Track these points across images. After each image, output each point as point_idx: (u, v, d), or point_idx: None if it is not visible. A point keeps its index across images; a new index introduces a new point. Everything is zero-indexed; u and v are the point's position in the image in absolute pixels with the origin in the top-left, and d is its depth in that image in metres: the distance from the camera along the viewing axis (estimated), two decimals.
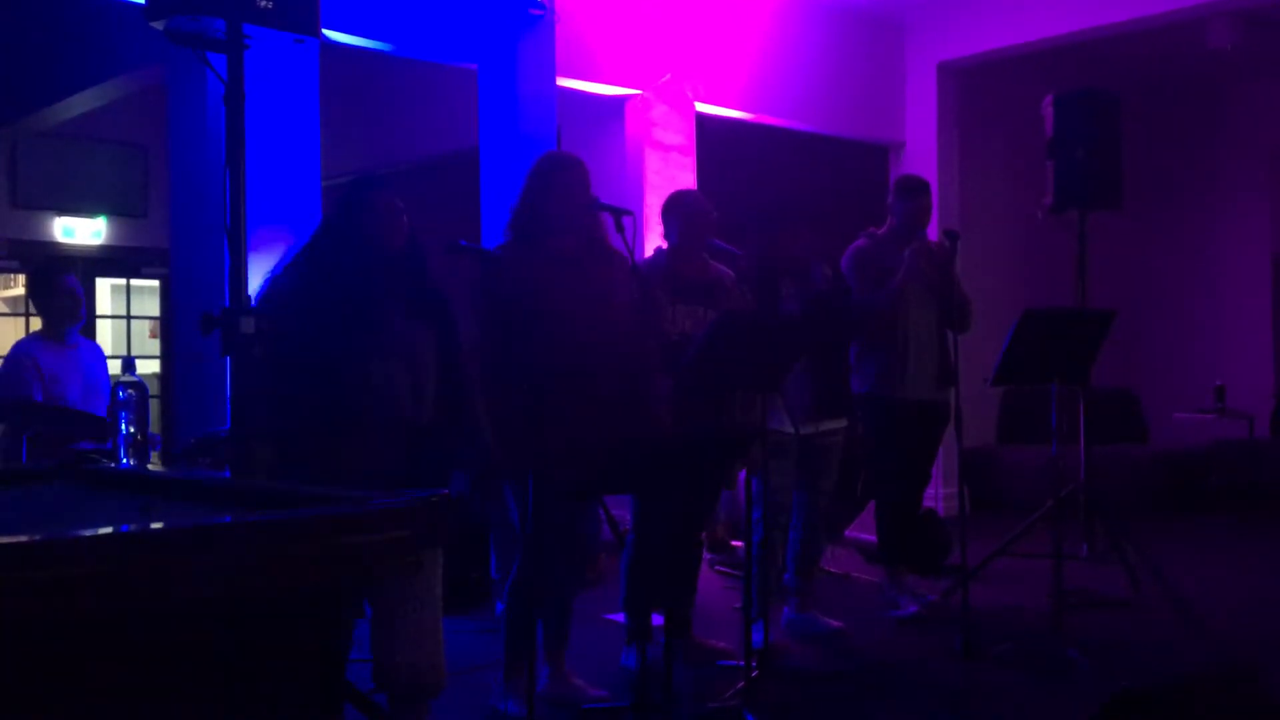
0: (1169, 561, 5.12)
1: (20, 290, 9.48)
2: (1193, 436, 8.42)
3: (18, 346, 5.10)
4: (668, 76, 6.63)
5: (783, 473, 4.37)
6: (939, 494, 7.00)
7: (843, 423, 4.59)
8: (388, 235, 3.18)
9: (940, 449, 5.10)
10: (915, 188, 4.92)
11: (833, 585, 5.51)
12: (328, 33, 5.05)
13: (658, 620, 4.12)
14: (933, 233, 5.08)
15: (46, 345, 4.85)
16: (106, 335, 9.18)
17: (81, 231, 9.15)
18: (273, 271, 3.22)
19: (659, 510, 3.89)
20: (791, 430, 4.26)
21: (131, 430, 3.13)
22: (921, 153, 7.69)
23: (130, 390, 3.25)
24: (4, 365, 5.01)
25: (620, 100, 6.60)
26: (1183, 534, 6.96)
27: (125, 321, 9.38)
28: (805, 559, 4.60)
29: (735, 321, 3.76)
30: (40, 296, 4.95)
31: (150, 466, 3.49)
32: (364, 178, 3.29)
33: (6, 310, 9.61)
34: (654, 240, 5.29)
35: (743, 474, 4.40)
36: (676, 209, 4.21)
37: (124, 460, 3.29)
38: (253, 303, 3.03)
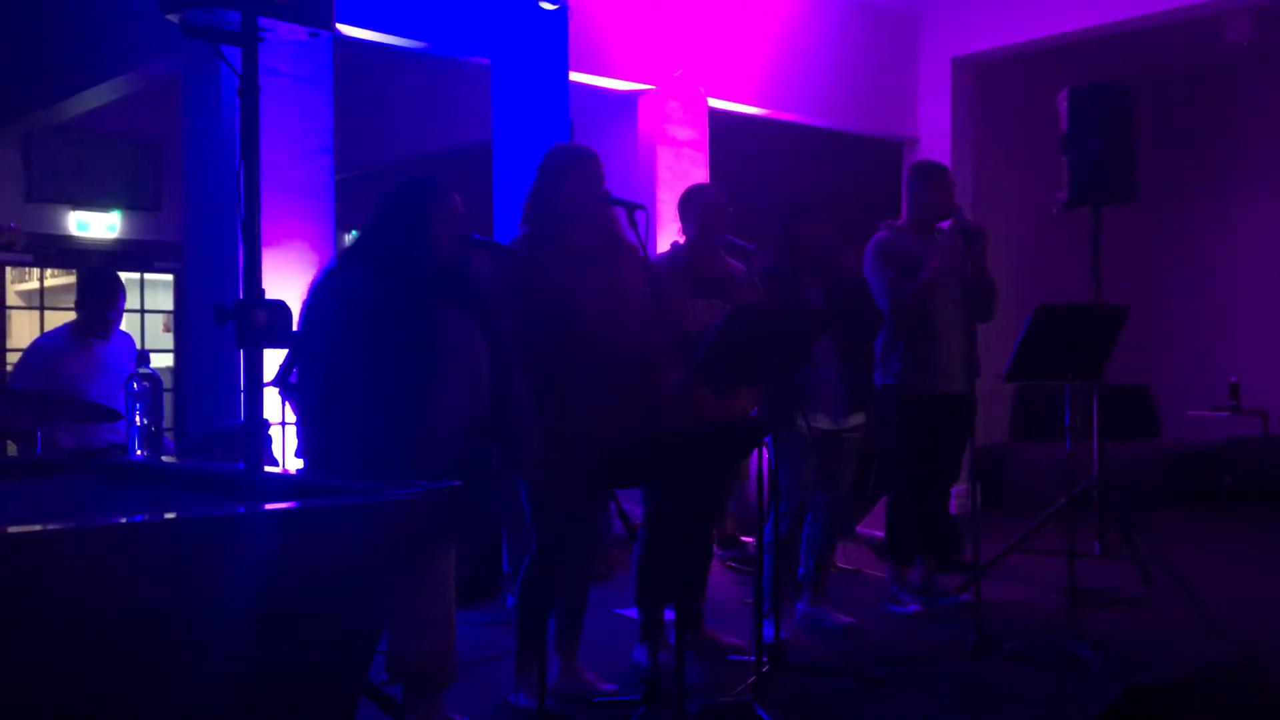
0: (1182, 558, 5.10)
1: (35, 284, 9.53)
2: (1207, 433, 8.39)
3: (37, 342, 5.09)
4: (680, 72, 6.63)
5: (805, 469, 4.37)
6: (952, 490, 6.97)
7: (863, 418, 4.58)
8: (451, 238, 3.17)
9: None
10: (932, 170, 4.90)
11: (844, 581, 5.51)
12: (342, 27, 5.07)
13: (669, 615, 4.13)
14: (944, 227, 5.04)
15: (70, 343, 4.82)
16: None
17: (95, 225, 9.19)
18: (325, 270, 3.19)
19: (671, 504, 3.89)
20: (813, 426, 4.26)
21: (145, 422, 3.14)
22: (935, 148, 7.67)
23: (144, 382, 3.26)
24: (23, 357, 5.02)
25: (633, 95, 6.60)
26: (1196, 531, 6.94)
27: (139, 315, 9.42)
28: (821, 554, 4.59)
29: (748, 314, 3.76)
30: (78, 300, 4.91)
31: (164, 459, 3.50)
32: (422, 180, 3.24)
33: (22, 304, 9.65)
34: (667, 235, 5.29)
35: (754, 466, 4.40)
36: (694, 203, 4.20)
37: (137, 452, 3.30)
38: (309, 299, 3.03)
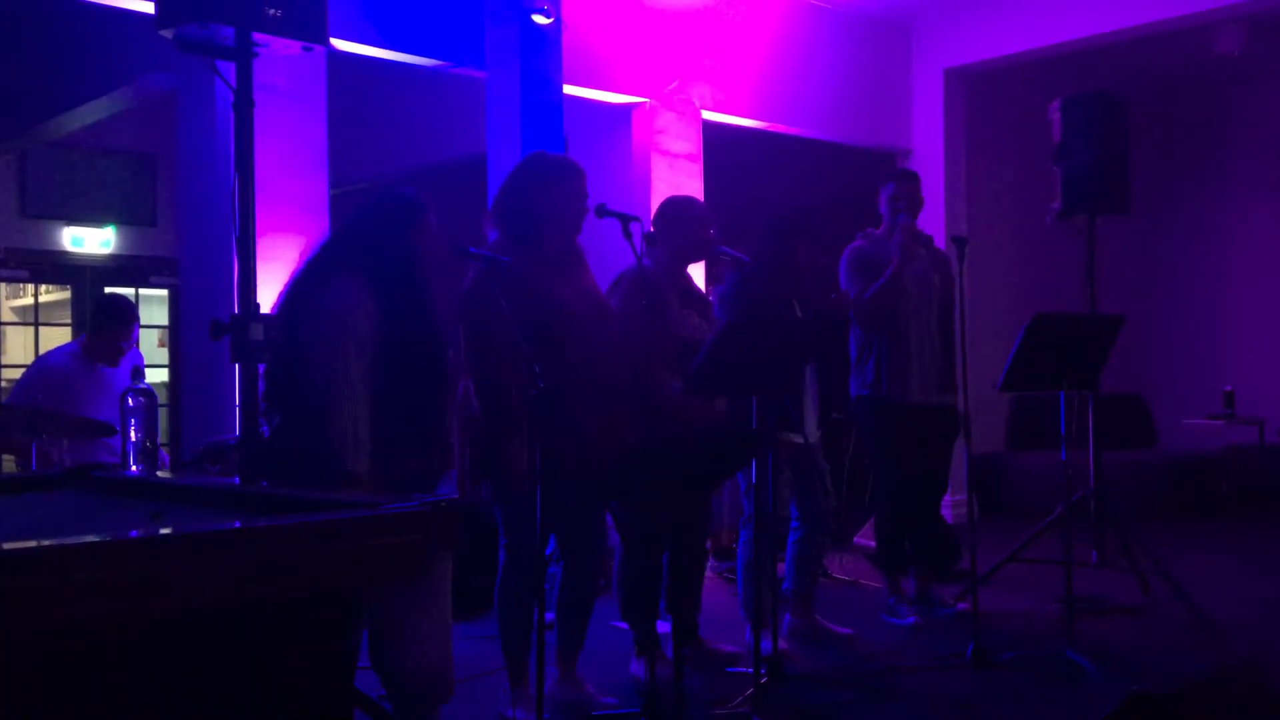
0: (1179, 566, 5.10)
1: (29, 300, 9.52)
2: (1202, 442, 8.39)
3: (43, 359, 5.05)
4: (675, 84, 6.64)
5: (782, 484, 4.35)
6: (949, 500, 6.98)
7: (800, 436, 4.53)
8: (433, 256, 3.17)
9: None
10: (900, 175, 4.98)
11: (841, 591, 5.50)
12: (336, 42, 5.08)
13: (665, 627, 4.12)
14: (939, 239, 5.07)
15: (77, 363, 4.78)
16: None
17: (90, 241, 9.18)
18: (294, 278, 3.16)
19: (648, 518, 3.89)
20: (789, 440, 4.26)
21: (141, 437, 3.14)
22: (929, 159, 7.69)
23: (140, 398, 3.26)
24: (27, 373, 4.99)
25: (627, 108, 6.62)
26: (1193, 539, 6.94)
27: None
28: (804, 564, 4.56)
29: (744, 327, 3.76)
30: (91, 327, 4.86)
31: (160, 474, 3.49)
32: (402, 195, 3.23)
33: (16, 319, 9.64)
34: None
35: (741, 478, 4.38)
36: (679, 219, 4.19)
37: (132, 467, 3.29)
38: (293, 312, 3.01)
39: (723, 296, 4.37)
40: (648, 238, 4.19)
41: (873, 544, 5.84)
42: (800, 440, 4.30)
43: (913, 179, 4.93)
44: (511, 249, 3.54)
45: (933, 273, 4.81)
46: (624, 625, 4.19)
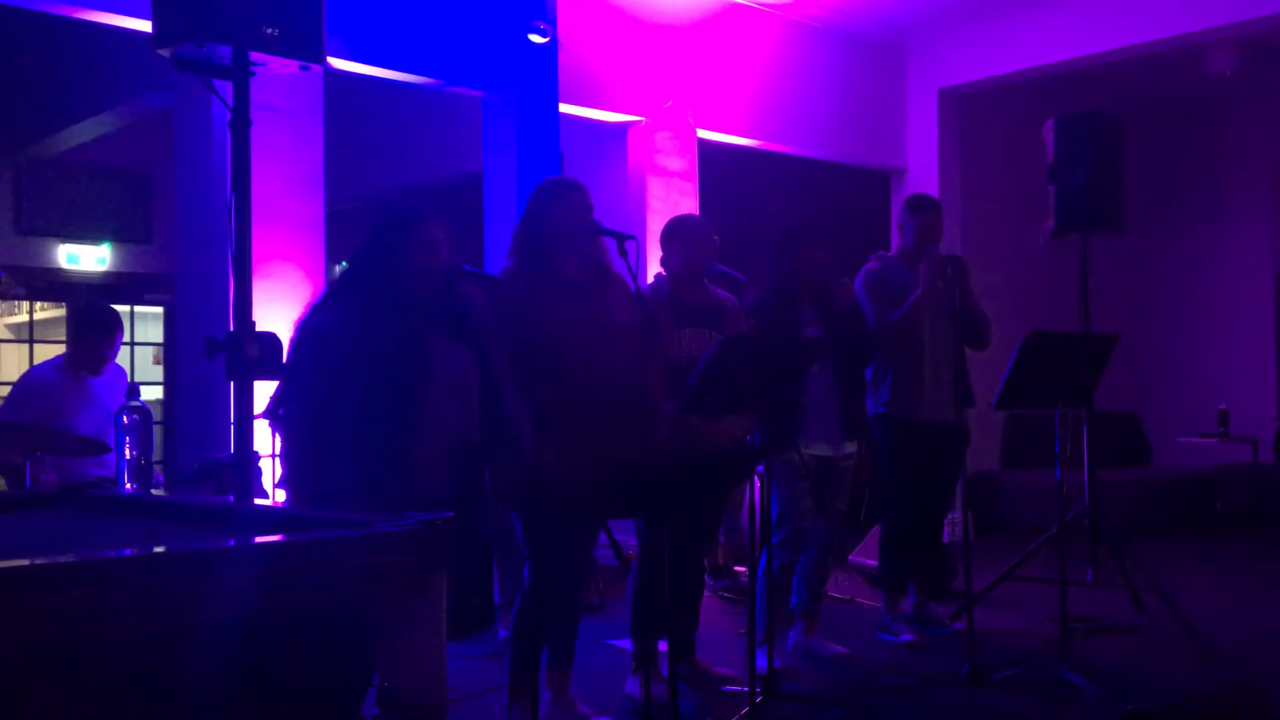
0: (1174, 585, 5.09)
1: (24, 317, 9.51)
2: (1197, 460, 8.41)
3: (28, 374, 5.06)
4: (670, 103, 6.67)
5: (800, 495, 4.36)
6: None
7: (855, 446, 4.59)
8: (431, 266, 3.17)
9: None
10: (925, 204, 4.98)
11: (838, 610, 5.49)
12: (333, 61, 5.09)
13: (662, 646, 4.11)
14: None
15: (61, 375, 4.79)
16: None
17: (86, 258, 9.18)
18: (311, 306, 3.18)
19: (665, 534, 3.88)
20: (809, 454, 4.27)
21: (135, 455, 3.13)
22: (923, 178, 7.72)
23: (134, 415, 3.25)
24: (14, 390, 4.99)
25: (623, 126, 6.64)
26: (1187, 558, 6.94)
27: (129, 348, 9.41)
28: (814, 583, 4.59)
29: (739, 343, 3.76)
30: (75, 334, 4.88)
31: (154, 492, 3.49)
32: (400, 210, 3.24)
33: (11, 337, 9.64)
34: (656, 265, 5.31)
35: (746, 495, 4.39)
36: (678, 235, 4.22)
37: (126, 485, 3.28)
38: (294, 336, 3.02)
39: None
40: (664, 257, 4.23)
41: (869, 562, 5.84)
42: (824, 453, 4.34)
43: (938, 208, 4.97)
44: (520, 272, 3.56)
45: (945, 292, 4.81)
46: (619, 644, 4.18)
